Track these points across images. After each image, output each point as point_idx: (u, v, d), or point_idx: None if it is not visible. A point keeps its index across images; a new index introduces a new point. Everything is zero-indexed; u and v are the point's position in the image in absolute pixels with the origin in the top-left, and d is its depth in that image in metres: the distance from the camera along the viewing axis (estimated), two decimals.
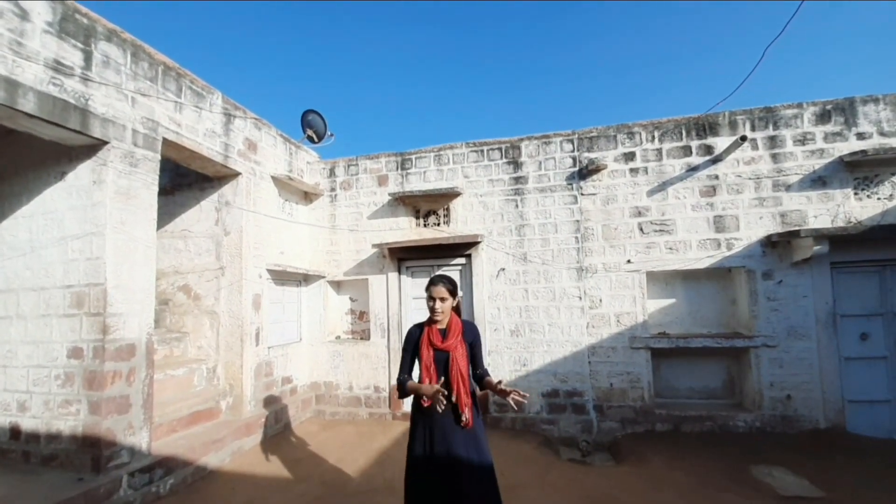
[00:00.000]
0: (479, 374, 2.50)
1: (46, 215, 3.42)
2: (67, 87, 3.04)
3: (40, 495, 2.78)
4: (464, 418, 2.31)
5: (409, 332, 2.54)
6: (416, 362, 2.48)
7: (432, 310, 2.42)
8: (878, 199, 4.40)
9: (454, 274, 5.40)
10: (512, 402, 2.17)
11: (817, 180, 4.51)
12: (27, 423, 3.31)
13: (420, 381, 2.40)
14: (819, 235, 4.06)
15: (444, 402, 2.18)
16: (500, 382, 2.24)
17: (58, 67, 2.99)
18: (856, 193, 4.45)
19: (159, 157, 3.72)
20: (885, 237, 4.19)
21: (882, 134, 4.43)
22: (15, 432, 3.35)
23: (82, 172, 3.33)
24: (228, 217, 4.70)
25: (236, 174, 4.66)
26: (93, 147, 3.29)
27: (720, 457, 3.91)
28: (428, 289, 2.45)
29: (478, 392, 2.54)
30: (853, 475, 3.48)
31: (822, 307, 4.40)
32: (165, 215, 4.80)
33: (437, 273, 2.72)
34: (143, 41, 3.66)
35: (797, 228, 4.36)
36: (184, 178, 4.89)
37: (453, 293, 2.45)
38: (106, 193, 3.26)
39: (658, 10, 31.91)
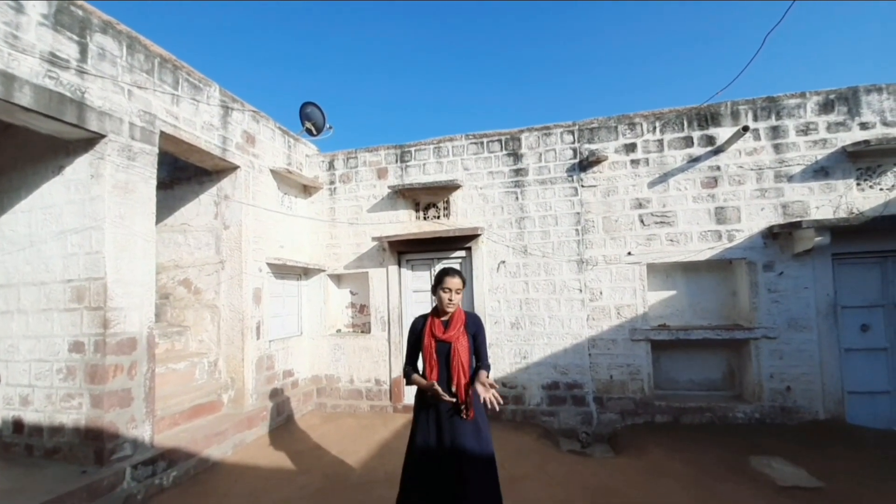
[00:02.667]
0: (478, 366, 2.49)
1: (45, 210, 3.41)
2: (63, 80, 3.02)
3: (44, 488, 2.80)
4: (464, 409, 2.33)
5: (413, 323, 2.58)
6: (420, 353, 2.51)
7: (449, 301, 2.41)
8: (881, 189, 4.37)
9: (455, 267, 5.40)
10: (486, 398, 2.23)
11: (820, 171, 4.48)
12: (30, 417, 3.34)
13: (423, 371, 2.44)
14: (821, 226, 4.04)
15: (444, 396, 2.26)
16: (486, 377, 2.31)
17: (53, 60, 2.97)
18: (858, 184, 4.42)
19: (157, 150, 3.70)
20: (887, 228, 4.16)
21: (885, 124, 4.38)
22: (18, 426, 3.38)
23: (80, 166, 3.32)
24: (228, 211, 4.69)
25: (235, 167, 4.64)
26: (90, 141, 3.27)
27: (719, 448, 3.92)
28: (442, 279, 2.43)
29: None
30: (852, 465, 3.49)
31: (823, 298, 4.39)
32: (164, 209, 4.78)
33: (448, 266, 2.72)
34: (138, 33, 3.63)
35: (799, 220, 4.33)
36: (182, 172, 4.88)
37: (464, 286, 2.50)
38: (104, 187, 3.25)
39: (658, 2, 31.55)
